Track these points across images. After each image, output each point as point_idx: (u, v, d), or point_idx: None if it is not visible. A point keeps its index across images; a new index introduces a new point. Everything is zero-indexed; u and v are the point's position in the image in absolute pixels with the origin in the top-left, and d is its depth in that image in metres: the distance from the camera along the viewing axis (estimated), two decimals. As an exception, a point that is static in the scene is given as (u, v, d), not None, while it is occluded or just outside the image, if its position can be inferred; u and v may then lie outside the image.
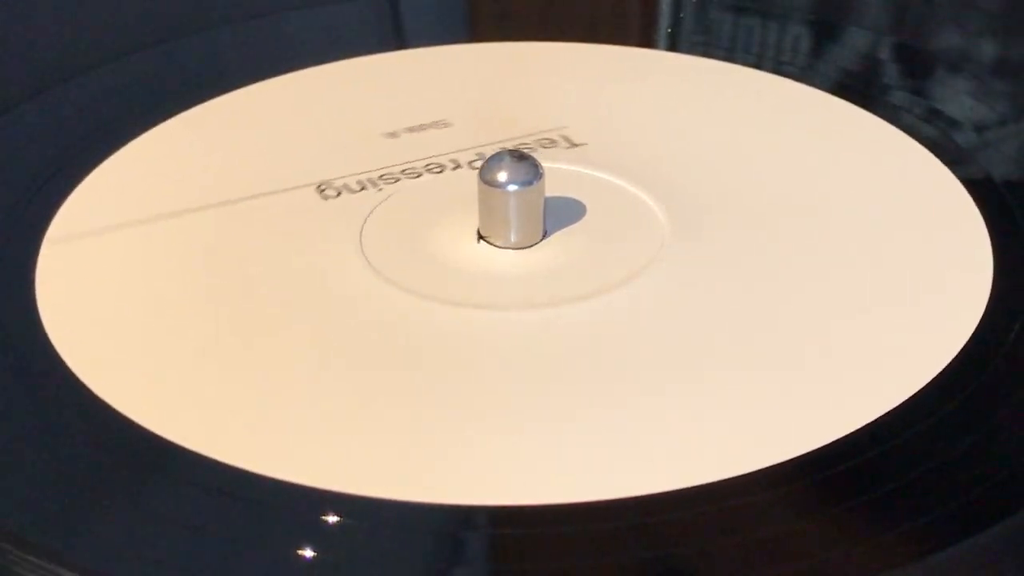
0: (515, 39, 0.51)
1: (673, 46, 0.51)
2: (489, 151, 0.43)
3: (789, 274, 0.40)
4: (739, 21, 0.52)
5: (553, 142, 0.45)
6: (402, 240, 0.41)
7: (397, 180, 0.44)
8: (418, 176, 0.44)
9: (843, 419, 0.35)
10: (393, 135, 0.46)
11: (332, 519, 0.33)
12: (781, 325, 0.38)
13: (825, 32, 0.52)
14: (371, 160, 0.45)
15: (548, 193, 0.41)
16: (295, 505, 0.33)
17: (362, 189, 0.43)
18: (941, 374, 0.36)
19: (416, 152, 0.45)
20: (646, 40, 0.52)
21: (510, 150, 0.41)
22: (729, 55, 0.50)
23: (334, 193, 0.43)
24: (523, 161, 0.40)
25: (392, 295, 0.39)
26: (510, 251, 0.41)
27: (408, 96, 0.48)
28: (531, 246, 0.41)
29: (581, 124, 0.46)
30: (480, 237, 0.41)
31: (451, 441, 0.35)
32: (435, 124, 0.47)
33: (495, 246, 0.41)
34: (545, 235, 0.41)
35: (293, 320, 0.38)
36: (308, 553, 0.32)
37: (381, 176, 0.44)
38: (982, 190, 0.43)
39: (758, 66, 0.49)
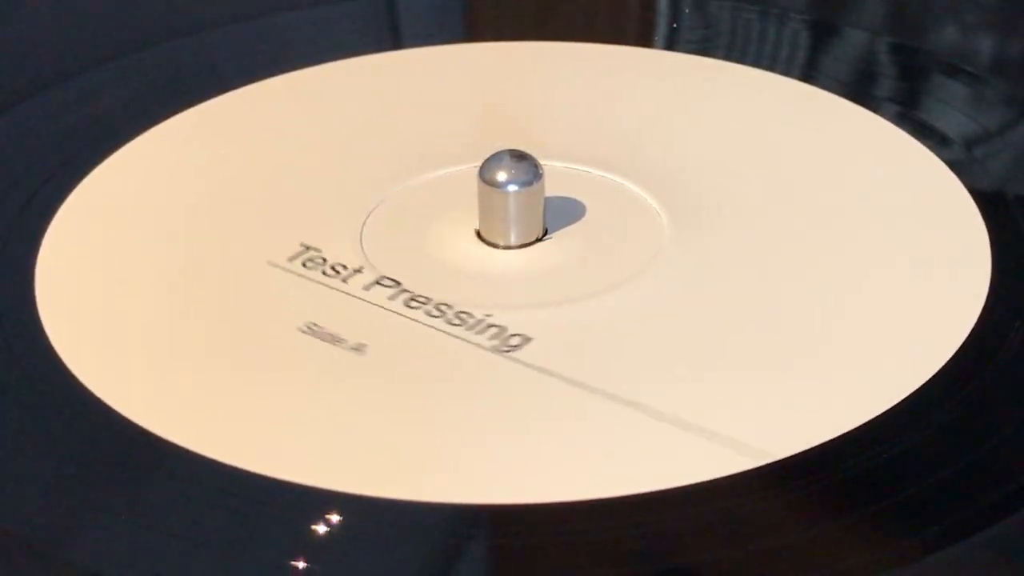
0: (513, 39, 0.51)
1: (673, 46, 0.51)
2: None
3: (789, 273, 0.40)
4: (739, 20, 0.52)
5: None
6: (402, 240, 0.41)
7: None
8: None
9: (842, 418, 0.35)
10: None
11: (331, 518, 0.33)
12: (781, 324, 0.38)
13: (826, 32, 0.52)
14: (371, 160, 0.45)
15: (548, 193, 0.41)
16: (294, 505, 0.33)
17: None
18: (938, 373, 0.36)
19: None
20: (645, 40, 0.52)
21: (510, 150, 0.41)
22: (729, 55, 0.50)
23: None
24: (523, 161, 0.40)
25: (392, 295, 0.39)
26: (510, 251, 0.41)
27: (407, 97, 0.48)
28: (531, 246, 0.41)
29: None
30: (479, 237, 0.41)
31: (450, 441, 0.35)
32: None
33: (495, 246, 0.41)
34: (545, 235, 0.41)
35: (293, 320, 0.38)
36: (307, 553, 0.32)
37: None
38: (982, 190, 0.43)
39: (758, 66, 0.49)
